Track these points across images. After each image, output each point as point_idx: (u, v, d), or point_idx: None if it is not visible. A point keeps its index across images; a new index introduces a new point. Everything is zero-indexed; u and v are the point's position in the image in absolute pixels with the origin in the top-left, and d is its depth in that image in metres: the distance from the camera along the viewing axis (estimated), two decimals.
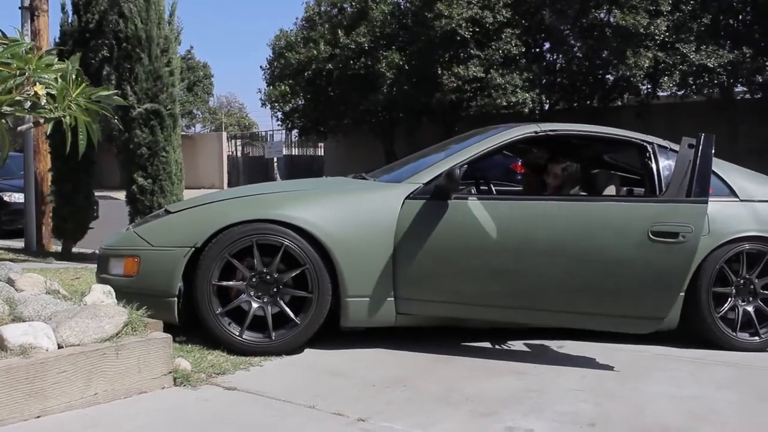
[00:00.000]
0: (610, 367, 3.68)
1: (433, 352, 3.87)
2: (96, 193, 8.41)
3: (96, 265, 4.26)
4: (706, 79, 18.57)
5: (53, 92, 3.31)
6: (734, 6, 18.05)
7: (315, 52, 23.89)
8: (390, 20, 22.86)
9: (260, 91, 27.84)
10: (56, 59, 3.54)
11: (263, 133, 36.31)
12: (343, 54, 23.21)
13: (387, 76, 21.57)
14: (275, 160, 25.69)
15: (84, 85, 3.47)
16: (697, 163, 3.66)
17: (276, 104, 27.67)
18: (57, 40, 7.92)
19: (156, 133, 7.11)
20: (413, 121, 24.26)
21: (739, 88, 20.88)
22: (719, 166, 4.29)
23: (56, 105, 3.31)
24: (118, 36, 7.20)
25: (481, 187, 5.08)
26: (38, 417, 2.73)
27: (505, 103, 19.46)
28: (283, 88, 25.79)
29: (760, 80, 19.66)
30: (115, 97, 3.98)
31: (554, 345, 4.06)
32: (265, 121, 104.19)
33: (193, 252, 3.72)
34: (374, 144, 26.09)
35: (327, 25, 24.88)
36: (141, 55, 7.07)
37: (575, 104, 21.40)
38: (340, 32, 23.55)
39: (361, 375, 3.46)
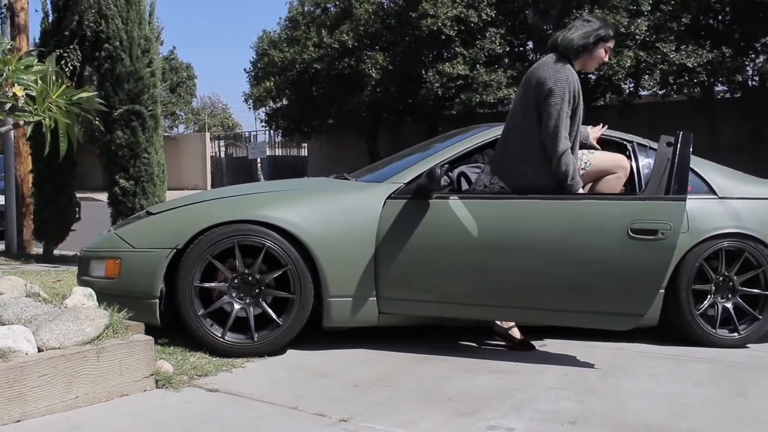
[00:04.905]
0: (590, 365, 3.71)
1: (415, 351, 3.88)
2: (78, 195, 8.36)
3: (77, 267, 4.24)
4: (687, 79, 18.74)
5: (33, 94, 3.30)
6: (713, 6, 18.21)
7: (304, 56, 23.84)
8: (374, 20, 22.87)
9: (244, 94, 27.83)
10: (36, 60, 3.52)
11: (247, 134, 36.23)
12: (327, 54, 23.20)
13: (372, 77, 21.59)
14: (259, 160, 25.62)
15: (64, 86, 3.46)
16: (676, 161, 3.69)
17: (260, 101, 27.60)
18: (37, 40, 7.85)
19: (138, 134, 7.07)
20: (397, 121, 24.30)
21: (719, 88, 21.08)
22: (698, 164, 4.33)
23: (36, 107, 3.29)
24: (99, 36, 7.16)
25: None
26: (18, 421, 2.72)
27: (491, 100, 19.54)
28: (268, 84, 25.74)
29: (740, 80, 19.87)
30: (97, 100, 3.96)
31: (536, 343, 4.08)
32: (249, 121, 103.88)
33: (175, 253, 3.71)
34: (358, 144, 26.09)
35: (311, 25, 24.84)
36: (122, 55, 7.03)
37: None
38: (323, 32, 23.54)
39: (344, 375, 3.46)
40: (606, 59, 4.04)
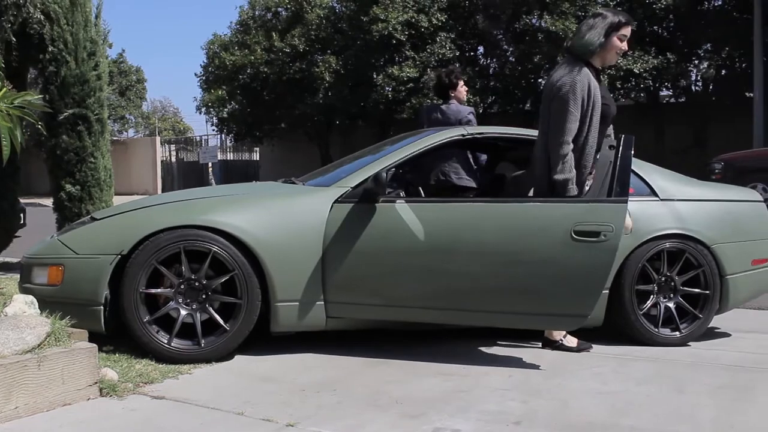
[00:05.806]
0: (536, 366, 3.76)
1: (363, 355, 3.89)
2: (24, 200, 8.16)
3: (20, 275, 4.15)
4: (633, 84, 19.14)
5: None
6: (658, 14, 18.64)
7: (252, 58, 23.71)
8: (325, 24, 22.88)
9: (196, 99, 27.63)
10: None
11: (198, 138, 35.81)
12: (279, 58, 23.12)
13: (325, 80, 21.58)
14: (210, 165, 25.38)
15: (5, 89, 3.39)
16: (617, 163, 3.78)
17: (212, 109, 27.39)
18: None
19: (84, 138, 6.94)
20: (349, 125, 24.33)
21: (665, 93, 21.60)
22: (640, 166, 4.43)
23: None
24: (43, 38, 7.01)
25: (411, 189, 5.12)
26: None
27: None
28: (220, 93, 25.56)
29: (684, 85, 20.39)
30: (39, 102, 3.89)
31: (482, 346, 4.13)
32: (200, 125, 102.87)
33: (120, 259, 3.65)
34: (310, 148, 26.04)
35: (262, 30, 24.73)
36: (67, 58, 6.89)
37: (509, 108, 21.77)
38: (275, 35, 23.45)
39: (291, 380, 3.46)
40: (624, 47, 3.91)
